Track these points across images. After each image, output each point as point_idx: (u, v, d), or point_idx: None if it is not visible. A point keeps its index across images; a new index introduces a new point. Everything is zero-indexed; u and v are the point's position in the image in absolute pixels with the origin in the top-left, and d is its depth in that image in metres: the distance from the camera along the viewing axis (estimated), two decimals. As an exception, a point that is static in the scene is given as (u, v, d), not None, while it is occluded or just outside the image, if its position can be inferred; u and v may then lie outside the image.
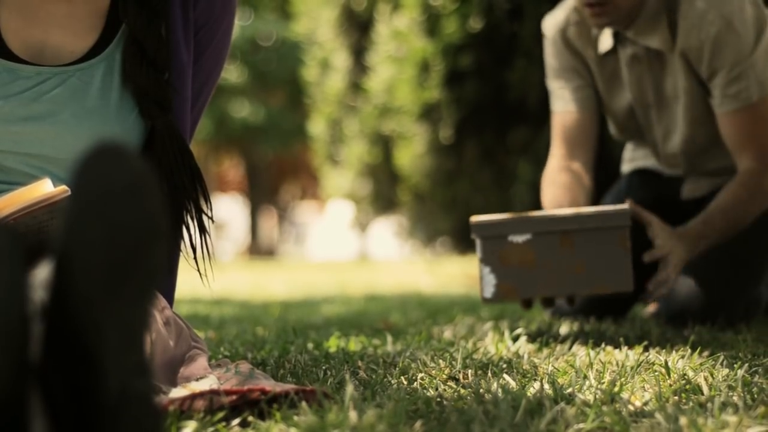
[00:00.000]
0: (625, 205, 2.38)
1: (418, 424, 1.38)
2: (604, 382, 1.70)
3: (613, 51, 2.74)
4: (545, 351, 2.17)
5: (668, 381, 1.73)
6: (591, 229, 2.35)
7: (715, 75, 2.58)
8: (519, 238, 2.36)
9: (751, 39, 2.54)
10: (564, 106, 2.81)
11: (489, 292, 2.36)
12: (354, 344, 2.45)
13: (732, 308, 2.72)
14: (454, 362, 1.98)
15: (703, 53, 2.57)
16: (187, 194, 1.86)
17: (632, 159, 3.10)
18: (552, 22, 2.83)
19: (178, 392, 1.53)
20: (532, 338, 2.47)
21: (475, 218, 2.37)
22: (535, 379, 1.77)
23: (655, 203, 2.91)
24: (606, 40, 2.74)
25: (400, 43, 7.47)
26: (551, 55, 2.83)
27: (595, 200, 3.11)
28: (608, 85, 2.79)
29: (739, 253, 2.76)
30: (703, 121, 2.70)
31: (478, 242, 2.38)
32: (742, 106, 2.58)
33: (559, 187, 2.75)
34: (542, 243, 2.36)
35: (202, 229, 1.88)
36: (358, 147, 8.62)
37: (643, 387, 1.69)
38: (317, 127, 9.54)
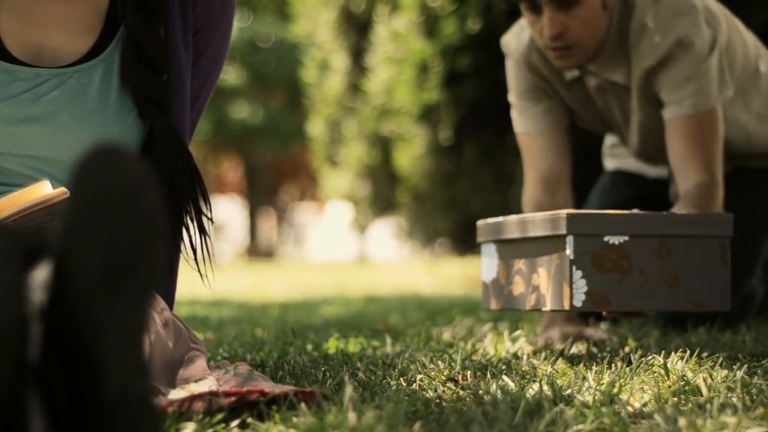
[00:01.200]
0: (728, 213, 2.18)
1: (417, 426, 1.38)
2: (603, 384, 1.70)
3: (579, 78, 2.66)
4: (544, 352, 2.17)
5: (667, 382, 1.73)
6: (692, 236, 2.12)
7: (664, 80, 2.51)
8: (615, 240, 2.08)
9: (705, 49, 2.48)
10: (534, 126, 2.66)
11: (579, 300, 2.05)
12: (353, 345, 2.45)
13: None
14: (453, 363, 1.98)
15: (655, 68, 2.51)
16: (186, 195, 1.86)
17: (614, 155, 3.09)
18: (514, 46, 2.69)
19: (177, 394, 1.53)
20: (531, 339, 2.47)
21: (570, 211, 2.07)
22: (534, 381, 1.77)
23: (642, 202, 2.90)
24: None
25: (398, 44, 7.47)
26: (515, 77, 2.68)
27: (581, 200, 3.08)
28: (581, 105, 2.70)
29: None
30: (660, 148, 2.65)
31: (570, 240, 2.07)
32: (687, 114, 2.48)
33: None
34: (639, 247, 2.09)
35: (202, 231, 1.88)
36: (357, 148, 8.62)
37: (642, 388, 1.68)
38: (316, 128, 9.54)
